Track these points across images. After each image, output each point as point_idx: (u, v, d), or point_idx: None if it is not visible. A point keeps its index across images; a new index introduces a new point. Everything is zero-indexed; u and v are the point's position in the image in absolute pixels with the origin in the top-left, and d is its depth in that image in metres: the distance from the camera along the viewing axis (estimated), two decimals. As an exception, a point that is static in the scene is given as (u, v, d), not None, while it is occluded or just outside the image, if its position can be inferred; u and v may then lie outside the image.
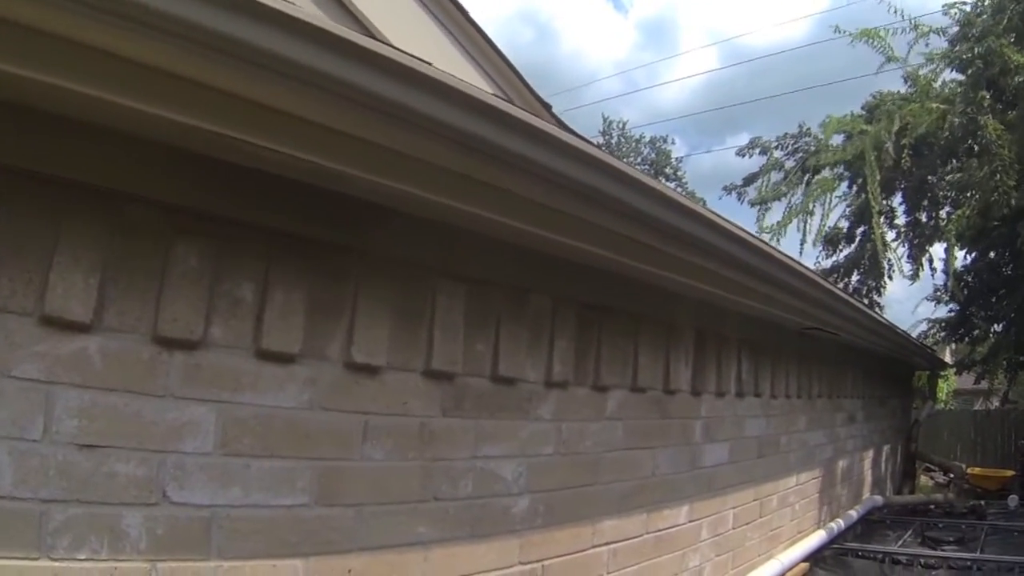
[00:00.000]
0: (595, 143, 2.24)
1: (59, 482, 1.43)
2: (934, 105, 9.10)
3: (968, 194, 8.75)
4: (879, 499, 7.26)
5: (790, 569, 4.49)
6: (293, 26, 1.28)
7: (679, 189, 33.15)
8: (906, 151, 8.98)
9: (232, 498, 1.64)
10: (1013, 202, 7.86)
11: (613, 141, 34.32)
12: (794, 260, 3.61)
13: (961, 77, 9.36)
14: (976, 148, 8.42)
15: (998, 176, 7.76)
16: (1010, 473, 14.21)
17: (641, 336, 2.99)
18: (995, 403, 16.23)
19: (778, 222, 9.88)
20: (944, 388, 20.66)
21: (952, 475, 9.49)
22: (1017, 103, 8.48)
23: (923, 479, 14.81)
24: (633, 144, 34.48)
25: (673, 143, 34.81)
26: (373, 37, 1.46)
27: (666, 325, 3.19)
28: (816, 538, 5.24)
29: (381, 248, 1.95)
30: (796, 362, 4.81)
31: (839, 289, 4.39)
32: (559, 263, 2.53)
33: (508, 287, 2.36)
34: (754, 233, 3.16)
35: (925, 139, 9.63)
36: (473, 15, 4.56)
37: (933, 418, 16.52)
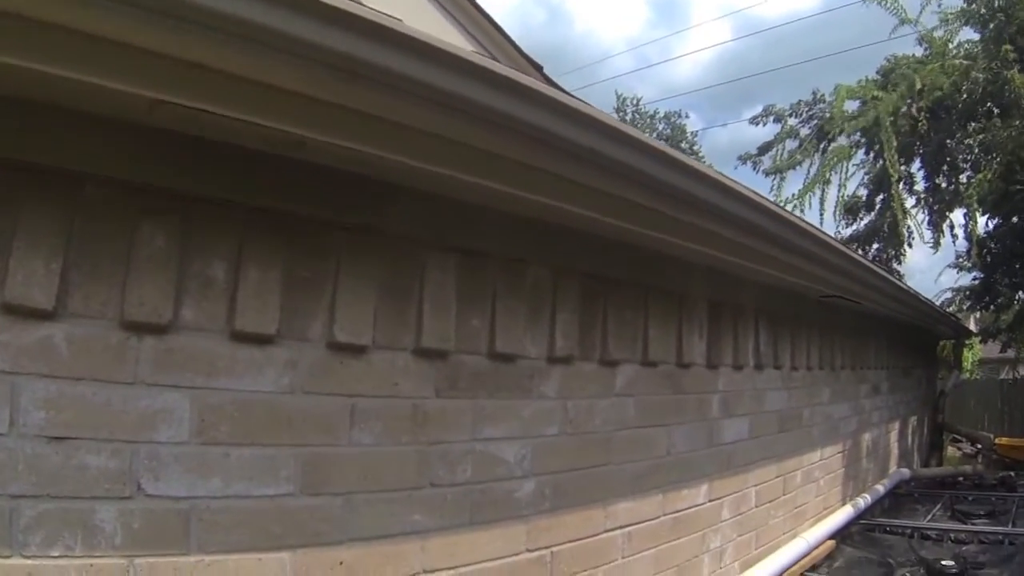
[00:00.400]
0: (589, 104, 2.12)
1: (28, 477, 1.38)
2: (957, 62, 8.86)
3: (991, 156, 8.52)
4: (906, 472, 7.10)
5: (816, 547, 4.35)
6: None
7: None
8: (923, 114, 8.74)
9: (211, 489, 1.57)
10: None
11: (628, 118, 34.06)
12: (812, 225, 3.46)
13: (977, 36, 9.10)
14: (996, 109, 8.15)
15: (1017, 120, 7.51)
16: None
17: (651, 308, 2.84)
18: (1021, 371, 15.94)
19: (797, 192, 9.68)
20: (970, 357, 20.41)
21: (980, 446, 9.29)
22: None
23: (950, 450, 14.61)
24: (648, 120, 34.24)
25: (688, 118, 34.48)
26: None
27: (678, 296, 3.05)
28: (843, 514, 5.10)
29: (364, 221, 1.85)
30: (817, 332, 4.66)
31: (859, 255, 4.23)
32: (560, 232, 2.40)
33: (504, 259, 2.24)
34: (766, 195, 3.02)
35: (942, 102, 9.41)
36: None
37: (959, 388, 16.33)
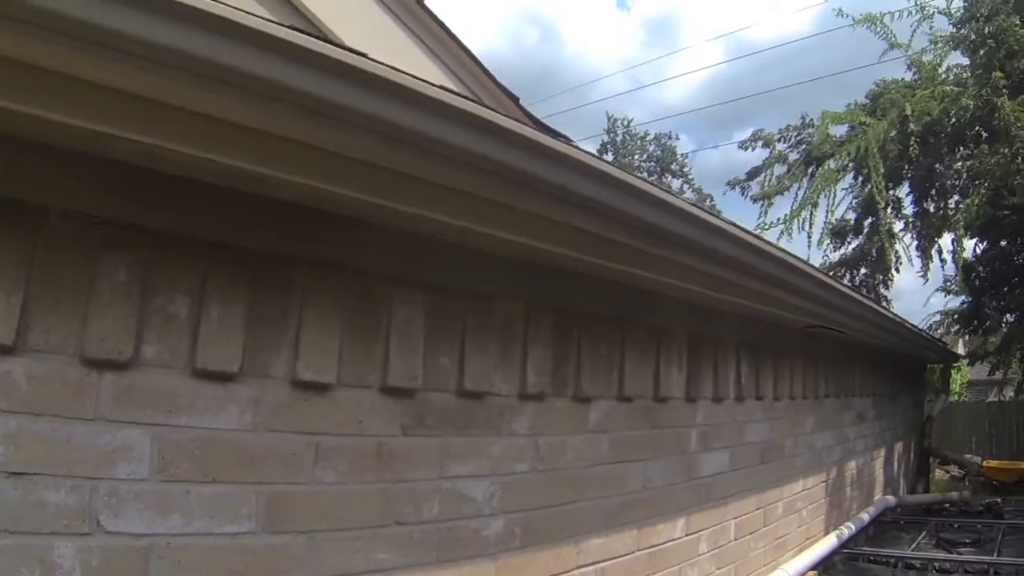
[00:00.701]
0: (563, 138, 2.11)
1: (-14, 512, 1.34)
2: (948, 88, 8.91)
3: (978, 182, 8.55)
4: (892, 499, 7.08)
5: (798, 579, 4.34)
6: (208, 22, 1.17)
7: (686, 186, 33.23)
8: (913, 139, 8.78)
9: (172, 527, 1.55)
10: None
11: (618, 139, 34.18)
12: (795, 257, 3.45)
13: (966, 61, 9.17)
14: (985, 134, 8.19)
15: (1020, 159, 7.54)
16: None
17: (627, 342, 2.82)
18: (1009, 394, 15.98)
19: (785, 216, 9.69)
20: (958, 379, 20.45)
21: (966, 470, 9.28)
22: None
23: (938, 473, 14.62)
24: (638, 141, 34.31)
25: (678, 140, 34.51)
26: (304, 32, 1.32)
27: (655, 329, 3.03)
28: (826, 544, 5.06)
29: (329, 257, 1.83)
30: (800, 361, 4.65)
31: (843, 285, 4.23)
32: (531, 268, 2.37)
33: (474, 295, 2.22)
34: (748, 228, 3.01)
35: (931, 127, 9.46)
36: (439, 15, 4.40)
37: (947, 412, 16.36)
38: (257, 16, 1.24)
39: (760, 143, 10.94)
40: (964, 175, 9.27)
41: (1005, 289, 11.44)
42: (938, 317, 12.45)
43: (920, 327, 7.92)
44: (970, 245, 10.81)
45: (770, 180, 10.62)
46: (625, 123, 33.76)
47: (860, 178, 10.55)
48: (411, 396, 2.02)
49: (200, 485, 1.59)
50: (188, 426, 1.58)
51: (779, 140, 10.84)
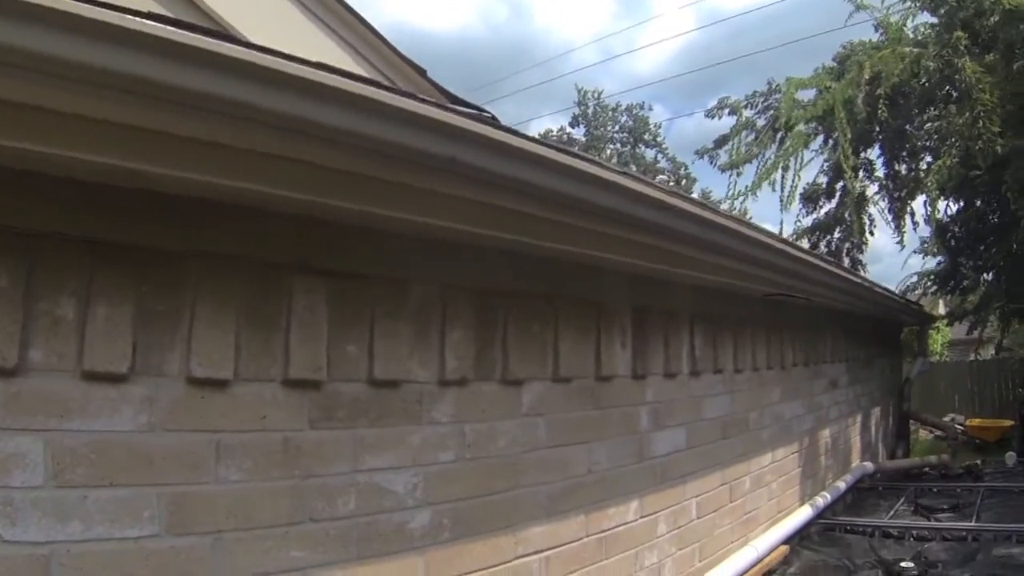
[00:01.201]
0: (478, 111, 1.96)
1: None
2: (906, 49, 8.75)
3: (948, 142, 8.41)
4: (869, 466, 6.99)
5: (768, 554, 4.21)
6: (62, 21, 1.09)
7: (660, 156, 33.06)
8: (881, 101, 8.62)
9: (71, 533, 1.51)
10: (998, 149, 7.48)
11: (589, 112, 33.86)
12: (745, 224, 3.30)
13: (934, 20, 9.00)
14: (954, 94, 8.02)
15: (980, 123, 7.38)
16: (1009, 423, 14.10)
17: (562, 320, 2.66)
18: (990, 352, 16.02)
19: (750, 184, 9.54)
20: (939, 340, 20.53)
21: (944, 434, 9.21)
22: (994, 45, 8.11)
23: (922, 433, 14.64)
24: (610, 113, 34.03)
25: (651, 110, 34.17)
26: (155, 20, 1.19)
27: (594, 305, 2.87)
28: (800, 516, 4.95)
29: (222, 249, 1.75)
30: (763, 331, 4.50)
31: (803, 251, 4.08)
32: (445, 248, 2.24)
33: (383, 280, 2.10)
34: (691, 196, 2.86)
35: (900, 88, 9.30)
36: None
37: (927, 373, 16.40)
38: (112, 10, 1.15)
39: (727, 111, 10.76)
40: (934, 136, 9.08)
41: (981, 248, 11.37)
42: (915, 279, 12.33)
43: (894, 290, 7.80)
44: (944, 206, 10.75)
45: (738, 148, 10.44)
46: (596, 95, 33.38)
47: (830, 141, 10.40)
48: (317, 388, 1.92)
49: (97, 489, 1.55)
50: (81, 430, 1.54)
51: (746, 107, 10.67)
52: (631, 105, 33.67)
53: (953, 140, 8.34)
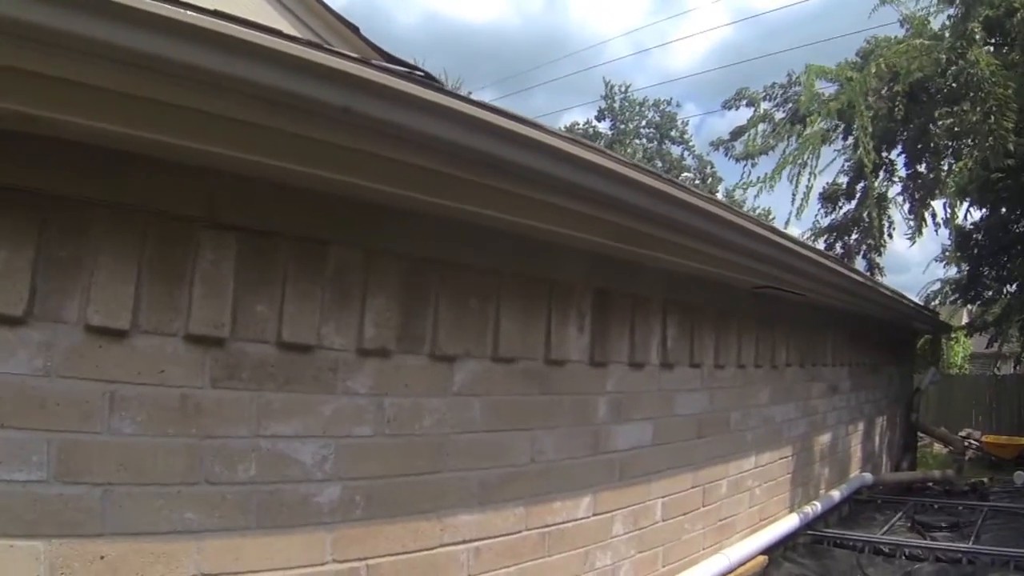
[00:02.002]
0: (396, 65, 1.81)
1: None
2: (917, 42, 8.46)
3: (963, 142, 8.11)
4: (869, 477, 6.75)
5: (743, 563, 4.01)
6: None
7: (687, 153, 32.71)
8: (900, 98, 8.35)
9: None
10: (1011, 147, 7.17)
11: (616, 106, 33.57)
12: (723, 206, 3.11)
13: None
14: (970, 93, 7.70)
15: (992, 119, 7.08)
16: None
17: (505, 296, 2.49)
18: (1010, 367, 15.73)
19: (764, 175, 9.29)
20: (960, 352, 20.21)
21: (952, 448, 8.92)
22: (1016, 42, 7.80)
23: (936, 447, 14.33)
24: (637, 108, 33.63)
25: (679, 106, 33.75)
26: None
27: (546, 283, 2.69)
28: (785, 525, 4.74)
29: (128, 199, 1.71)
30: (753, 326, 4.30)
31: (795, 241, 3.86)
32: (371, 210, 2.09)
33: (299, 239, 2.00)
34: (653, 170, 2.67)
35: (923, 84, 9.02)
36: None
37: (938, 385, 16.17)
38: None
39: (744, 102, 10.50)
40: (949, 135, 8.76)
41: (1004, 258, 11.08)
42: (937, 285, 12.04)
43: (914, 298, 7.53)
44: (969, 211, 10.47)
45: (754, 139, 10.19)
46: (623, 88, 33.03)
47: (851, 139, 10.11)
48: (221, 346, 1.85)
49: (-14, 429, 1.52)
50: (-26, 370, 1.51)
51: (764, 98, 10.41)
52: (658, 100, 33.29)
53: (968, 139, 8.01)
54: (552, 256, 2.70)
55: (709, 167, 31.59)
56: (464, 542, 2.38)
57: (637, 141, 33.09)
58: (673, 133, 32.78)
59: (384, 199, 2.06)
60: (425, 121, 1.72)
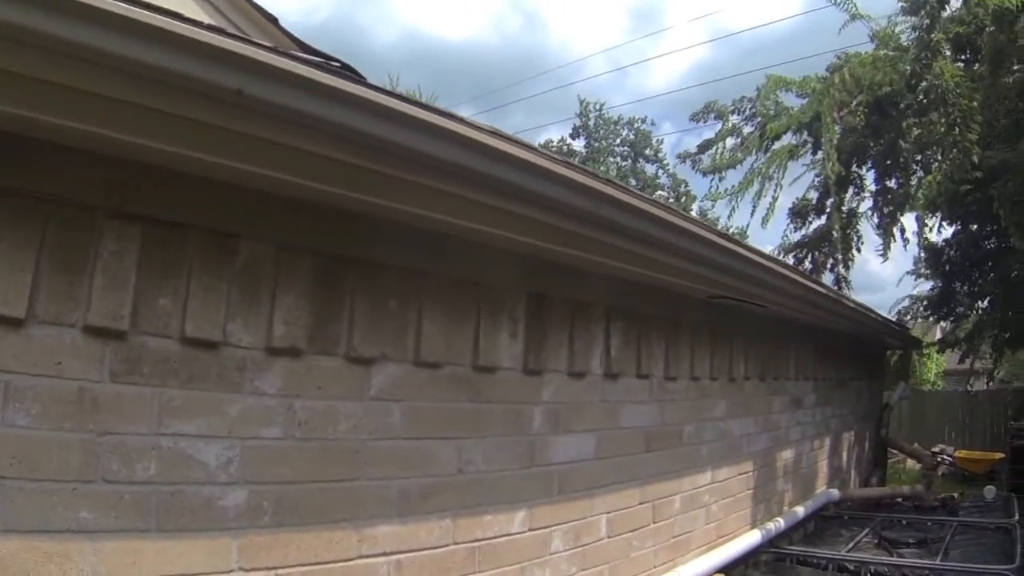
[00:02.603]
0: (312, 55, 1.75)
1: None
2: (882, 53, 8.49)
3: (931, 155, 8.11)
4: (836, 493, 6.69)
5: (697, 581, 3.92)
6: None
7: (661, 172, 32.87)
8: (862, 108, 8.37)
9: None
10: (975, 159, 7.17)
11: (591, 123, 33.72)
12: (668, 209, 3.04)
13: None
14: (936, 103, 7.70)
15: (957, 130, 7.08)
16: (998, 456, 13.91)
17: (428, 298, 2.41)
18: (983, 383, 15.88)
19: (732, 187, 9.28)
20: (933, 368, 20.36)
21: (921, 463, 8.89)
22: (982, 54, 7.83)
23: (909, 463, 14.36)
24: (611, 126, 33.77)
25: (653, 124, 33.92)
26: None
27: (475, 286, 2.61)
28: (744, 542, 4.66)
29: (27, 185, 1.65)
30: (708, 337, 4.24)
31: (749, 249, 3.79)
32: (282, 204, 2.02)
33: (207, 231, 1.93)
34: (582, 167, 2.59)
35: (892, 99, 9.05)
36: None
37: (911, 401, 16.46)
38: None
39: (713, 115, 10.51)
40: (916, 148, 8.77)
41: (976, 274, 11.13)
42: (907, 302, 12.07)
43: (877, 311, 7.49)
44: (940, 226, 10.51)
45: (722, 153, 10.18)
46: (597, 107, 33.18)
47: (820, 153, 10.13)
48: (121, 339, 1.79)
49: None
50: None
51: (733, 112, 10.41)
52: (633, 119, 33.45)
53: (934, 150, 8.02)
54: (481, 257, 2.63)
55: (684, 185, 31.73)
56: (384, 554, 2.29)
57: (611, 159, 33.20)
58: (648, 152, 32.90)
59: (295, 192, 1.99)
60: (324, 107, 1.66)
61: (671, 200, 29.56)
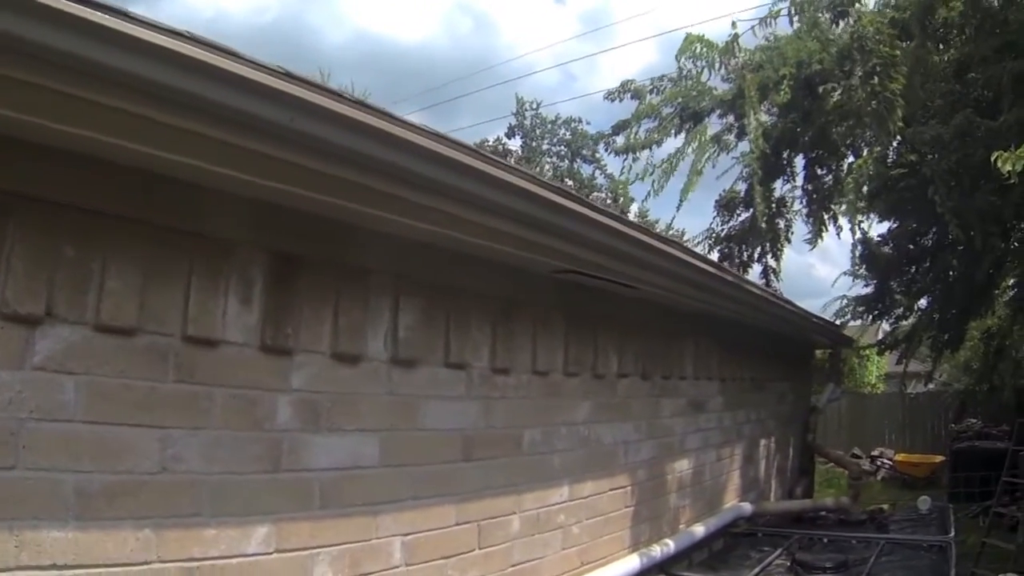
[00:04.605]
0: None
1: None
2: (813, 33, 8.15)
3: (849, 123, 7.72)
4: (747, 507, 6.24)
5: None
6: None
7: (598, 172, 32.72)
8: (787, 83, 7.98)
9: None
10: (899, 112, 6.72)
11: (527, 123, 33.60)
12: (479, 154, 2.49)
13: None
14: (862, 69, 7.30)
15: (876, 79, 6.65)
16: (940, 459, 13.87)
17: (114, 244, 1.94)
18: (921, 385, 15.99)
19: (644, 169, 8.88)
20: (873, 371, 20.46)
21: (849, 473, 8.52)
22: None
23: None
24: (548, 126, 33.67)
25: (589, 124, 33.89)
26: None
27: (187, 236, 2.12)
28: (617, 569, 4.14)
29: None
30: (561, 323, 3.71)
31: (611, 216, 3.25)
32: None
33: None
34: (355, 98, 2.07)
35: (823, 78, 8.71)
36: None
37: (851, 404, 16.51)
38: None
39: (629, 95, 10.04)
40: (834, 115, 8.38)
41: (914, 270, 10.86)
42: (842, 302, 11.75)
43: (793, 302, 7.03)
44: (871, 219, 10.22)
45: (636, 134, 9.74)
46: (534, 105, 33.06)
47: (746, 141, 9.76)
48: None
49: None
50: None
51: (651, 92, 9.96)
52: (570, 118, 33.41)
53: (853, 120, 7.60)
54: (198, 201, 2.12)
55: (620, 187, 31.64)
56: (55, 567, 1.84)
57: (548, 159, 33.10)
58: (584, 152, 32.78)
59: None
60: None
61: (609, 202, 29.30)
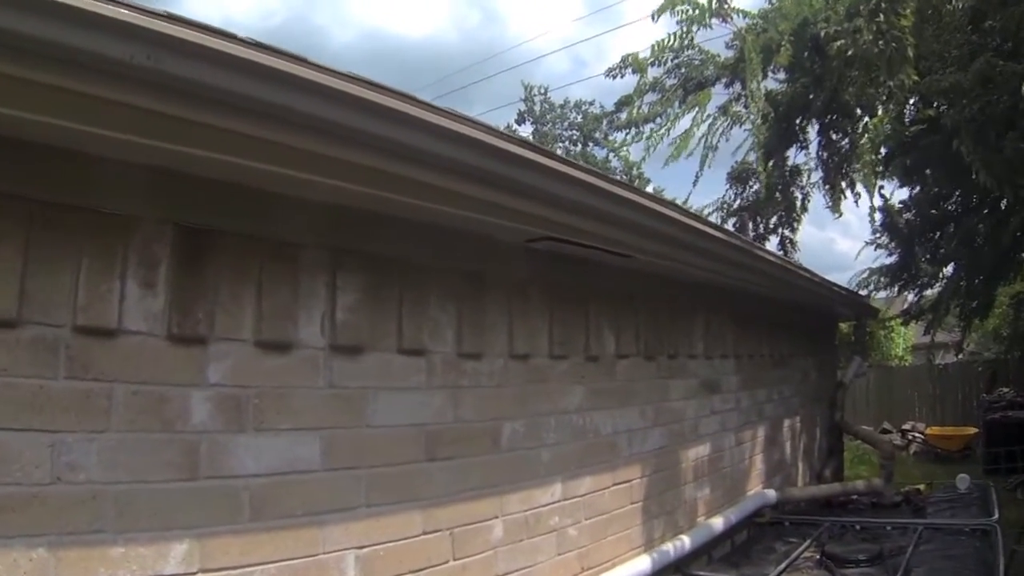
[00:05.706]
0: None
1: None
2: None
3: (854, 73, 7.31)
4: (771, 494, 5.86)
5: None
6: None
7: (612, 155, 32.50)
8: (787, 38, 7.62)
9: None
10: (910, 52, 6.30)
11: (536, 109, 33.48)
12: (420, 103, 2.15)
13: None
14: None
15: (880, 17, 6.24)
16: (972, 431, 13.56)
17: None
18: (951, 356, 15.68)
19: (643, 132, 8.55)
20: (900, 343, 20.03)
21: (881, 452, 8.09)
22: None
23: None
24: (558, 110, 33.62)
25: (601, 107, 33.97)
26: None
27: (74, 211, 1.85)
28: (625, 571, 3.79)
29: None
30: (543, 299, 3.36)
31: (595, 174, 2.89)
32: None
33: None
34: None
35: (834, 38, 8.33)
36: None
37: (879, 377, 16.13)
38: None
39: (630, 70, 9.68)
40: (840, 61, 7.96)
41: (938, 236, 10.44)
42: (866, 275, 11.35)
43: (813, 270, 6.64)
44: (891, 182, 9.82)
45: (639, 109, 9.40)
46: (542, 91, 33.17)
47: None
48: None
49: None
50: None
51: (652, 64, 9.59)
52: (580, 101, 33.43)
53: (859, 69, 7.17)
54: (84, 174, 1.87)
55: (635, 168, 31.45)
56: None
57: (560, 144, 33.05)
58: (596, 135, 32.67)
59: None
60: None
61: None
